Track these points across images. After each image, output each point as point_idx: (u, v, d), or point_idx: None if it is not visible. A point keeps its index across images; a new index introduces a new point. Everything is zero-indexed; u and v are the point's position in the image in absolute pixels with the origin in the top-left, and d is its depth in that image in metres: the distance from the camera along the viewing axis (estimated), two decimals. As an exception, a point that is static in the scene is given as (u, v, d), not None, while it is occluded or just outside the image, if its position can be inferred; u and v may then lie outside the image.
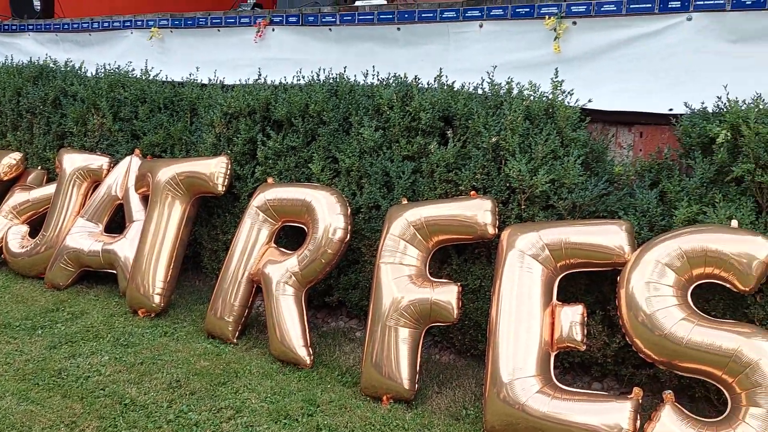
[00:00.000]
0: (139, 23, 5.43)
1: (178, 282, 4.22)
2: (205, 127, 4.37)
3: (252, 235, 3.75)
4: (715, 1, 3.18)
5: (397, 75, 3.96)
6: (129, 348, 3.62)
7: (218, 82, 4.83)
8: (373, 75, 4.06)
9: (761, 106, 2.86)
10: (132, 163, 4.55)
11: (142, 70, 5.11)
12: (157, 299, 4.02)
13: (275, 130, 4.06)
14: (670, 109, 3.29)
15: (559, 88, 3.44)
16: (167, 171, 4.15)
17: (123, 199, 4.51)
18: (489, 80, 3.66)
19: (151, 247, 4.06)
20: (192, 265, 4.66)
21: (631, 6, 3.42)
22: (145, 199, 4.33)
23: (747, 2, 3.11)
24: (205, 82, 4.91)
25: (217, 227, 4.30)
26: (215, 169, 4.01)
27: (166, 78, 5.09)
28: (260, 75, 4.52)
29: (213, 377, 3.30)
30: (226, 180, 4.01)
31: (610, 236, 2.87)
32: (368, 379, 3.18)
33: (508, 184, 3.30)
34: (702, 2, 3.22)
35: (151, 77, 5.06)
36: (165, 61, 5.26)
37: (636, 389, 2.64)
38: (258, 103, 4.15)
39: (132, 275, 4.10)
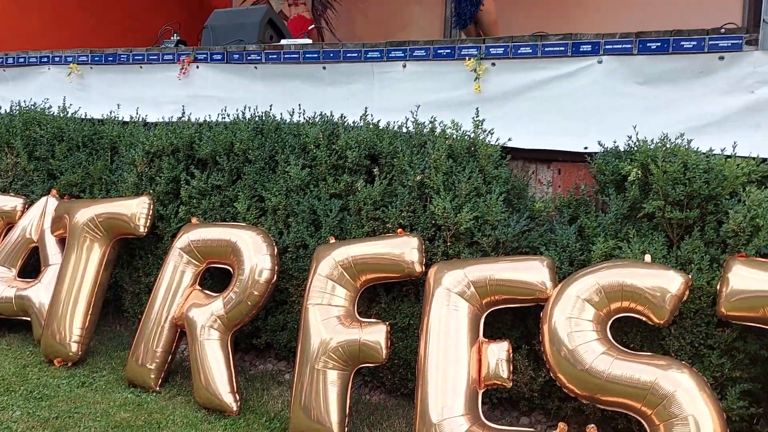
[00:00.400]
0: (57, 59, 5.26)
1: (97, 327, 4.04)
2: (127, 166, 4.25)
3: (175, 277, 3.65)
4: (623, 46, 3.36)
5: (323, 113, 3.98)
6: (43, 401, 3.42)
7: (140, 119, 4.72)
8: (300, 113, 4.06)
9: (668, 145, 3.01)
10: (48, 204, 4.37)
11: (60, 107, 4.94)
12: (74, 347, 3.83)
13: (199, 168, 3.99)
14: (585, 148, 3.42)
15: (480, 127, 3.53)
16: (86, 212, 4.00)
17: (38, 242, 4.31)
18: (413, 119, 3.72)
19: (68, 292, 3.88)
20: (113, 309, 4.48)
21: (546, 49, 3.57)
22: (62, 242, 4.16)
23: (652, 47, 3.29)
24: (127, 119, 4.79)
25: (139, 269, 4.16)
26: (137, 209, 3.89)
27: (86, 115, 4.94)
28: (184, 112, 4.45)
29: (134, 429, 3.16)
30: (149, 221, 3.90)
31: (532, 272, 2.94)
32: (297, 424, 3.11)
33: (433, 222, 3.34)
34: (611, 46, 3.39)
35: (69, 114, 4.90)
36: (84, 98, 5.10)
37: (561, 424, 2.68)
38: (182, 142, 4.07)
39: (48, 322, 3.91)
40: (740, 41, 3.08)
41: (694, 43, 3.17)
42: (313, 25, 6.48)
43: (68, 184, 4.43)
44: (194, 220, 3.81)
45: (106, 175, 4.38)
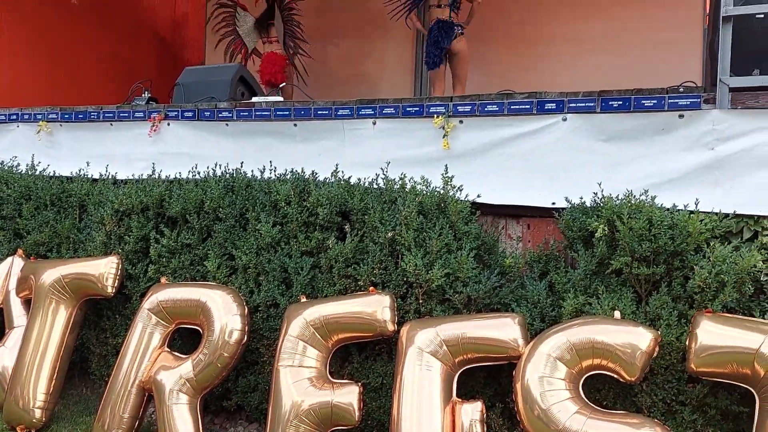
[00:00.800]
0: (26, 116, 5.23)
1: (63, 390, 3.93)
2: (95, 224, 4.20)
3: (143, 339, 3.57)
4: (586, 104, 3.45)
5: (294, 170, 4.00)
6: (2, 473, 3.29)
7: (110, 177, 4.68)
8: (271, 170, 4.07)
9: (633, 202, 3.07)
10: (14, 265, 4.28)
11: (28, 165, 4.89)
12: (38, 413, 3.71)
13: (169, 227, 3.96)
14: (553, 203, 3.47)
15: (449, 183, 3.57)
16: (52, 273, 3.92)
17: (3, 304, 4.21)
18: (384, 176, 3.75)
19: (33, 355, 3.77)
20: (79, 372, 4.35)
21: (512, 107, 3.65)
22: (27, 303, 4.06)
23: (614, 105, 3.38)
24: (96, 176, 4.75)
25: (107, 330, 4.07)
26: (105, 269, 3.83)
27: (55, 173, 4.89)
28: (154, 170, 4.43)
29: (98, 501, 3.04)
30: (116, 281, 3.83)
31: (504, 330, 2.94)
32: (268, 491, 3.02)
33: (405, 279, 3.34)
34: (575, 105, 3.48)
35: (37, 172, 4.85)
36: (54, 156, 5.06)
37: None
38: (151, 200, 4.05)
39: (11, 387, 3.79)
40: (699, 100, 3.18)
41: (655, 101, 3.27)
42: (284, 83, 6.54)
43: (35, 244, 4.35)
44: (163, 279, 3.76)
45: (74, 234, 4.31)
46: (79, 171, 4.80)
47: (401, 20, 6.99)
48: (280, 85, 5.80)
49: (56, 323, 3.82)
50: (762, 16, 3.19)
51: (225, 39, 7.94)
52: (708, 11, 4.38)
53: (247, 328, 3.39)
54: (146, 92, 5.09)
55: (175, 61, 9.28)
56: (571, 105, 3.50)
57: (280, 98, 4.73)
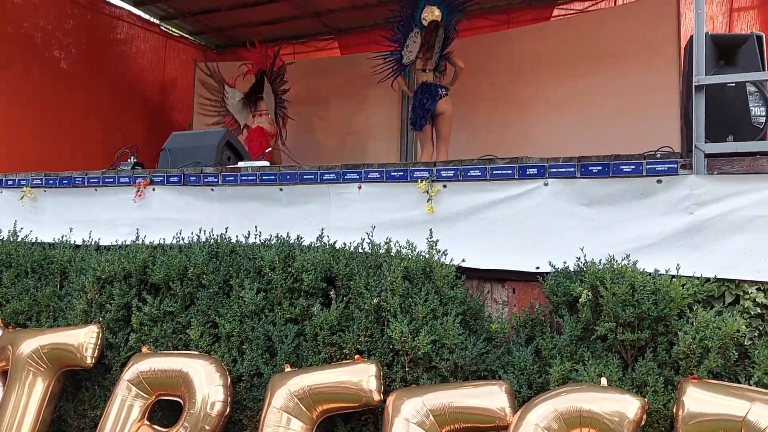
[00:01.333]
0: (10, 182, 5.23)
1: (38, 466, 3.79)
2: (76, 292, 4.15)
3: (123, 412, 3.49)
4: (567, 170, 3.51)
5: (279, 235, 4.00)
6: None
7: (93, 243, 4.65)
8: (256, 235, 4.07)
9: (615, 266, 3.09)
10: (-9, 334, 4.19)
11: (10, 231, 4.86)
12: (11, 491, 3.58)
13: (152, 294, 3.92)
14: (537, 267, 3.48)
15: (434, 247, 3.58)
16: (31, 343, 3.85)
17: (-22, 375, 4.10)
18: (369, 240, 3.76)
19: (8, 431, 3.66)
20: (56, 445, 4.22)
21: (494, 172, 3.70)
22: (4, 375, 3.96)
23: (594, 170, 3.44)
24: (80, 242, 4.72)
25: (85, 402, 3.97)
26: (84, 339, 3.76)
27: (37, 239, 4.86)
28: (138, 236, 4.41)
29: None
30: (96, 351, 3.77)
31: (492, 398, 2.91)
32: None
33: (391, 346, 3.30)
34: (555, 170, 3.54)
35: (19, 239, 4.82)
36: (36, 221, 5.03)
37: None
38: (134, 266, 4.02)
39: (-17, 463, 3.66)
40: (676, 165, 3.25)
41: (633, 167, 3.34)
42: (271, 148, 6.62)
43: (14, 312, 4.28)
44: (144, 348, 3.70)
45: (54, 302, 4.25)
46: (62, 237, 4.77)
47: (387, 84, 7.15)
48: (267, 150, 5.85)
49: (33, 396, 3.73)
50: (733, 84, 3.29)
51: (216, 118, 8.09)
52: (682, 77, 4.51)
53: (229, 399, 3.33)
54: (132, 157, 5.12)
55: (163, 123, 9.36)
56: (552, 170, 3.56)
57: (266, 163, 4.77)
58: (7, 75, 7.18)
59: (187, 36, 10.08)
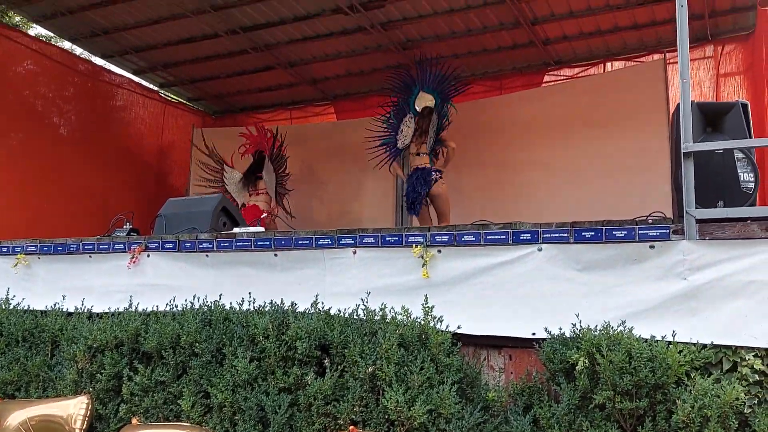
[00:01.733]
0: (4, 249, 5.22)
1: None
2: (67, 362, 4.09)
3: (111, 487, 3.39)
4: (560, 235, 3.52)
5: (273, 301, 3.97)
6: None
7: (86, 310, 4.61)
8: (250, 301, 4.04)
9: (611, 333, 3.07)
10: (-21, 406, 4.11)
11: (2, 299, 4.82)
12: None
13: (144, 363, 3.87)
14: (533, 333, 3.45)
15: (430, 313, 3.56)
16: (19, 415, 3.79)
17: (-37, 448, 4.00)
18: (364, 306, 3.74)
19: (-10, 507, 3.55)
20: None
21: (488, 237, 3.72)
22: (-10, 448, 3.87)
23: (587, 236, 3.46)
24: (72, 310, 4.68)
25: (73, 476, 3.85)
26: (73, 411, 3.71)
27: (29, 307, 4.82)
28: (131, 303, 4.38)
29: None
30: (86, 423, 3.70)
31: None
32: None
33: (386, 417, 3.24)
34: (549, 235, 3.55)
35: (11, 306, 4.78)
36: (29, 288, 5.00)
37: None
38: (126, 335, 3.98)
39: None
40: (668, 231, 3.27)
41: (626, 232, 3.36)
42: (264, 215, 6.68)
43: (3, 383, 4.21)
44: (135, 420, 3.63)
45: (44, 372, 4.19)
46: (55, 304, 4.73)
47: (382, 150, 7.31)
48: (262, 216, 5.89)
49: (19, 471, 3.63)
50: (721, 151, 3.36)
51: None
52: (671, 143, 4.60)
53: (221, 472, 3.24)
54: (127, 224, 5.13)
55: (160, 188, 9.43)
56: (545, 235, 3.57)
57: (261, 228, 4.79)
58: (5, 142, 7.27)
59: (185, 102, 10.28)
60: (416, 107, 7.03)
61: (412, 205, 6.68)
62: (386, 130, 7.37)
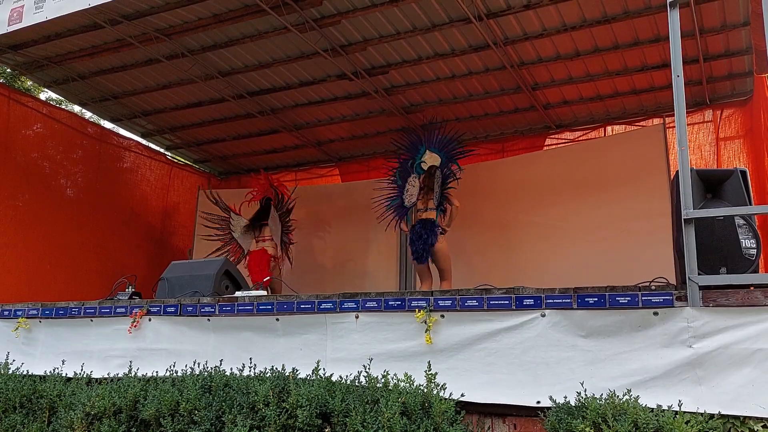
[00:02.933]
0: (6, 313, 5.21)
1: None
2: (64, 429, 4.01)
3: None
4: (563, 300, 3.50)
5: (274, 367, 3.92)
6: None
7: (85, 375, 4.56)
8: (251, 367, 4.00)
9: (616, 402, 3.01)
10: (-29, 475, 4.02)
11: (1, 364, 4.78)
12: None
13: (142, 430, 3.79)
14: (538, 402, 3.39)
15: (433, 381, 3.51)
16: (11, 485, 3.68)
17: None
18: (366, 373, 3.69)
19: None
20: None
21: (491, 302, 3.70)
22: None
23: (590, 302, 3.44)
24: (71, 375, 4.62)
25: None
26: (68, 481, 3.60)
27: (28, 372, 4.77)
28: (131, 368, 4.33)
29: None
30: (80, 494, 3.59)
31: None
32: None
33: (388, 489, 3.15)
34: (552, 301, 3.53)
35: (10, 371, 4.73)
36: (29, 353, 4.97)
37: None
38: (125, 402, 3.91)
39: None
40: (671, 297, 3.25)
41: (629, 298, 3.34)
42: (269, 277, 6.67)
43: (-2, 450, 4.13)
44: (131, 491, 3.52)
45: (40, 440, 4.11)
46: (54, 369, 4.68)
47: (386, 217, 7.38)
48: (264, 279, 5.89)
49: None
50: (722, 218, 3.37)
51: (221, 244, 8.21)
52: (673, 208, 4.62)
53: None
54: (130, 287, 5.13)
55: (164, 249, 9.46)
56: (548, 301, 3.55)
57: (263, 292, 4.78)
58: (11, 203, 7.35)
59: (191, 164, 10.42)
60: (422, 167, 7.11)
61: (419, 252, 6.65)
62: (392, 192, 7.43)
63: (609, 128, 8.14)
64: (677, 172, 3.48)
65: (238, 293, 4.76)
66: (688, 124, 4.23)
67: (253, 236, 8.07)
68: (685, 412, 2.95)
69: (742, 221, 3.37)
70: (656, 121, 7.60)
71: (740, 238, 3.35)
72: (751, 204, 3.47)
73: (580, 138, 8.28)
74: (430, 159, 7.13)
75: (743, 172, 3.50)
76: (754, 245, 3.33)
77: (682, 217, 3.28)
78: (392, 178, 7.43)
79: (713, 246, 3.37)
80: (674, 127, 5.20)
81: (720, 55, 6.68)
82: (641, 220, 6.74)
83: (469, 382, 3.62)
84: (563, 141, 8.41)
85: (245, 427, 3.53)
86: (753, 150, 6.98)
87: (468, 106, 8.12)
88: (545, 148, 8.46)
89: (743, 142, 7.33)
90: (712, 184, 3.56)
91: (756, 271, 3.30)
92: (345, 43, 6.87)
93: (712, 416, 2.94)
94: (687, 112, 3.49)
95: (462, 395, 3.51)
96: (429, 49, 6.93)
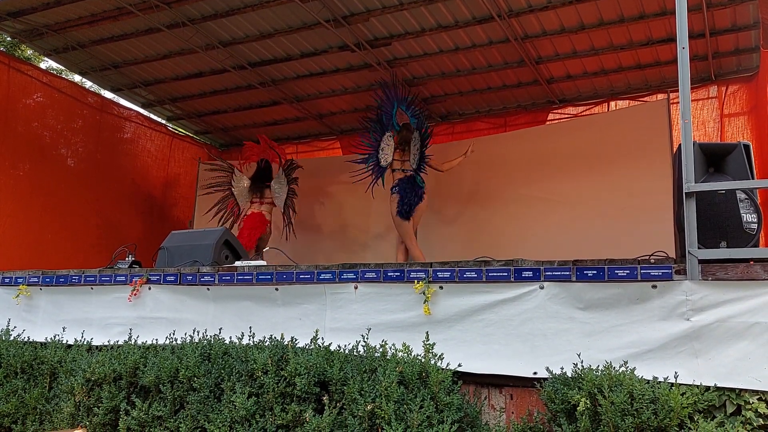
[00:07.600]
0: (7, 280, 5.23)
1: None
2: (65, 394, 4.05)
3: None
4: (562, 273, 3.50)
5: (273, 336, 3.94)
6: None
7: (85, 342, 4.59)
8: (250, 336, 4.02)
9: (613, 374, 3.02)
10: (-26, 438, 4.07)
11: (2, 330, 4.81)
12: None
13: (141, 397, 3.83)
14: (535, 373, 3.41)
15: (431, 351, 3.52)
16: (13, 448, 3.73)
17: (-44, 482, 3.95)
18: (364, 343, 3.71)
19: None
20: None
21: (490, 274, 3.70)
22: (-18, 482, 3.82)
23: (589, 274, 3.44)
24: (72, 342, 4.66)
25: None
26: (69, 445, 3.65)
27: (29, 338, 4.80)
28: (131, 335, 4.36)
29: None
30: (81, 457, 3.64)
31: None
32: None
33: (384, 457, 3.19)
34: (551, 273, 3.53)
35: (12, 338, 4.76)
36: (30, 320, 4.99)
37: None
38: (125, 368, 3.95)
39: None
40: (670, 271, 3.25)
41: (627, 271, 3.33)
42: (267, 248, 6.64)
43: (0, 415, 4.16)
44: (130, 455, 3.57)
45: (41, 405, 4.15)
46: (55, 336, 4.71)
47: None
48: (264, 249, 5.88)
49: (11, 506, 3.57)
50: (724, 192, 3.35)
51: (219, 198, 8.17)
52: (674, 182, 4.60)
53: None
54: (130, 256, 5.14)
55: (164, 220, 9.47)
56: (547, 273, 3.55)
57: (263, 262, 4.78)
58: (12, 173, 7.34)
59: (192, 135, 10.38)
60: (397, 123, 6.99)
61: (411, 205, 6.67)
62: (368, 147, 7.22)
63: (612, 103, 8.08)
64: (680, 145, 3.46)
65: (237, 263, 4.77)
66: (692, 100, 4.20)
67: (252, 198, 7.99)
68: (681, 384, 2.96)
69: (744, 195, 3.35)
70: (660, 96, 7.53)
71: (741, 212, 3.34)
72: (753, 179, 3.45)
73: (583, 113, 8.22)
74: (405, 117, 7.05)
75: (746, 146, 3.47)
76: (756, 220, 3.31)
77: (684, 191, 3.27)
78: (369, 127, 7.22)
79: (714, 220, 3.36)
80: (678, 102, 5.16)
81: (726, 30, 6.59)
82: (643, 195, 6.71)
83: (466, 353, 3.64)
84: (566, 116, 8.35)
85: (244, 394, 3.57)
86: (757, 126, 6.94)
87: (471, 80, 8.04)
88: (548, 123, 8.40)
89: (747, 118, 7.28)
90: (715, 158, 3.53)
91: (756, 245, 3.29)
92: (347, 13, 6.79)
93: (707, 389, 2.95)
94: (692, 88, 3.45)
95: (459, 365, 3.53)
96: (432, 20, 6.84)
